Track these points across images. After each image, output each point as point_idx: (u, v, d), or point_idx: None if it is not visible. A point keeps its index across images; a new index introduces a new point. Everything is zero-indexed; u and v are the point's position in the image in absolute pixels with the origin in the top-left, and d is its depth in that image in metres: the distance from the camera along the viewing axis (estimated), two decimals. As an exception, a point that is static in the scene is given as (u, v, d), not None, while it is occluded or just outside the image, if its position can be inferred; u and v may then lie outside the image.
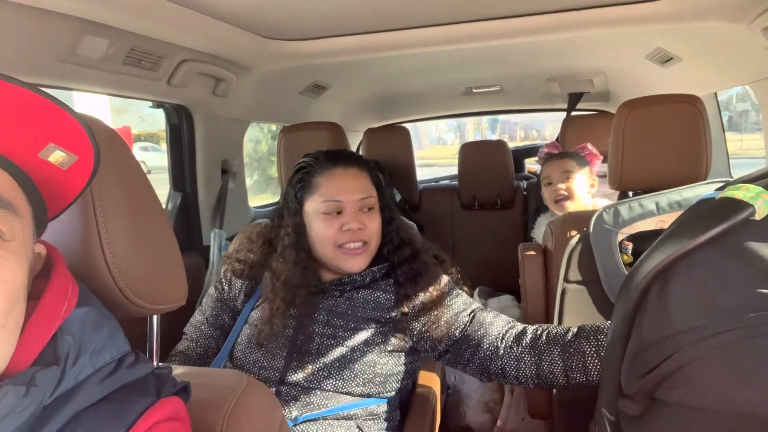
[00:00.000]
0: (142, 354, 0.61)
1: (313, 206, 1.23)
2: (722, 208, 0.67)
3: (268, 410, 0.72)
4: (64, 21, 1.12)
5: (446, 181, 3.61)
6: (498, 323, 1.18)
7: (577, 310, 1.33)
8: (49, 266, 0.55)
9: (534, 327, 1.16)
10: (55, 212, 0.59)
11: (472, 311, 1.21)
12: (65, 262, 0.61)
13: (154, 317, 0.77)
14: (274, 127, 3.38)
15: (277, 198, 2.94)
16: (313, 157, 1.27)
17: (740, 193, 0.66)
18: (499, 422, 1.84)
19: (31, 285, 0.53)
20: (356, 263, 1.22)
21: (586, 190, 2.00)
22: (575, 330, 1.10)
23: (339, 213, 1.21)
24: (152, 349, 0.78)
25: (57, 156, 0.53)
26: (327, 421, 1.13)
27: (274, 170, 3.45)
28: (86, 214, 0.62)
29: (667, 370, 0.64)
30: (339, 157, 1.26)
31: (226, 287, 1.33)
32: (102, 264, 0.63)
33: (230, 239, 1.82)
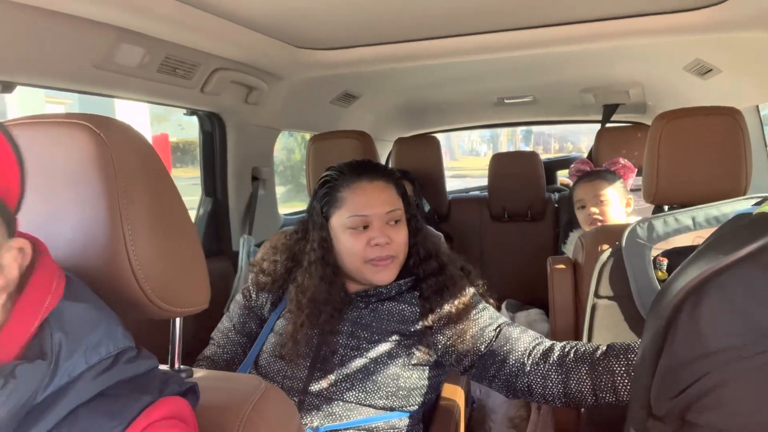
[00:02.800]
0: (146, 350, 0.60)
1: (339, 221, 1.20)
2: (759, 223, 0.64)
3: (285, 416, 0.72)
4: (100, 29, 1.15)
5: (476, 192, 3.58)
6: (525, 339, 1.16)
7: (607, 327, 1.29)
8: (34, 259, 0.55)
9: (562, 344, 1.13)
10: (13, 205, 0.57)
11: (499, 326, 1.19)
12: (88, 261, 0.62)
13: (177, 320, 0.78)
14: (308, 136, 3.42)
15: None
16: (337, 170, 1.25)
17: None
18: (525, 439, 1.80)
19: (22, 278, 0.52)
20: (384, 276, 1.20)
21: (621, 210, 1.94)
22: (604, 348, 1.07)
23: (366, 227, 1.19)
24: (174, 351, 0.78)
25: None
26: (348, 432, 1.13)
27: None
28: (113, 217, 0.63)
29: (698, 391, 0.62)
30: (364, 169, 1.24)
31: (253, 295, 1.33)
32: (126, 266, 0.64)
33: (259, 245, 1.83)
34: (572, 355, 1.09)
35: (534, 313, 2.20)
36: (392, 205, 1.21)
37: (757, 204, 0.68)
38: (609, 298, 1.29)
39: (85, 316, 0.55)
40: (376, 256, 1.18)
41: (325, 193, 1.23)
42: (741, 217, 0.70)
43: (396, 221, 1.22)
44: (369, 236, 1.18)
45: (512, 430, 1.84)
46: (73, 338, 0.52)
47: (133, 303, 0.65)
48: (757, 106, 2.20)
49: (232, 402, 0.68)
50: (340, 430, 1.13)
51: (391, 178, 1.25)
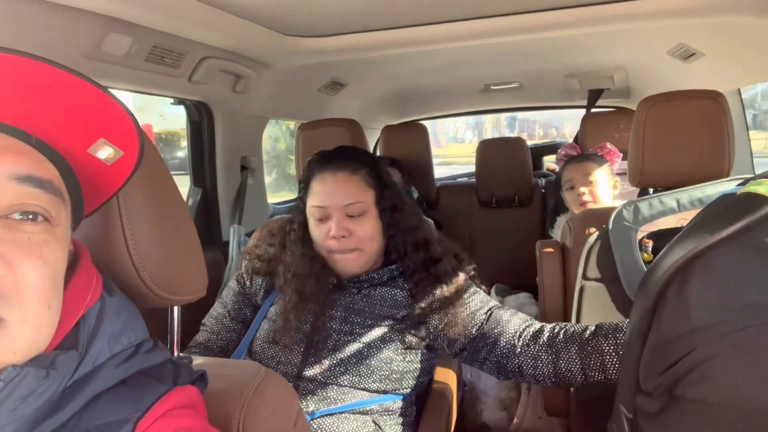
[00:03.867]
0: (160, 342, 0.62)
1: (309, 209, 1.24)
2: (744, 203, 0.66)
3: (286, 400, 0.74)
4: (88, 18, 1.14)
5: (464, 179, 3.60)
6: (515, 321, 1.18)
7: (595, 308, 1.32)
8: (75, 260, 0.57)
9: (551, 325, 1.16)
10: (90, 208, 0.60)
11: (489, 309, 1.21)
12: (90, 253, 0.63)
13: (175, 308, 0.79)
14: (292, 125, 3.40)
15: (294, 195, 2.97)
16: (315, 157, 1.28)
17: (763, 188, 0.65)
18: (515, 420, 1.83)
19: None
20: (347, 266, 1.22)
21: (609, 192, 1.98)
22: (593, 328, 1.09)
23: (327, 219, 1.21)
24: (173, 339, 0.79)
25: (105, 152, 0.54)
26: (343, 415, 1.15)
27: (292, 168, 3.46)
28: (110, 206, 0.63)
29: (686, 366, 0.64)
30: (331, 160, 1.25)
31: (247, 282, 1.34)
32: (125, 255, 0.64)
33: (249, 235, 1.84)
34: (562, 335, 1.11)
35: (523, 296, 2.23)
36: (352, 198, 1.20)
37: (741, 184, 0.70)
38: (596, 280, 1.32)
39: (110, 306, 0.57)
40: (335, 248, 1.20)
41: (304, 179, 1.28)
42: (726, 197, 0.71)
43: (358, 214, 1.21)
44: (328, 227, 1.20)
45: (503, 412, 1.87)
46: (98, 327, 0.54)
47: (132, 292, 0.66)
48: (739, 90, 2.24)
49: (233, 388, 0.69)
50: (336, 413, 1.14)
51: (360, 170, 1.24)
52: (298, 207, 1.29)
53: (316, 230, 1.23)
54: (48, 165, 0.52)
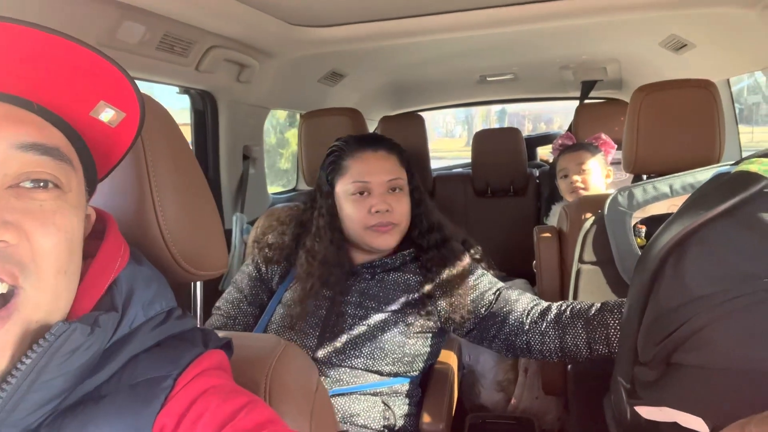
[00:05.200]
0: (187, 311, 0.65)
1: (343, 188, 1.26)
2: (737, 181, 0.69)
3: (306, 369, 0.77)
4: (104, 6, 1.16)
5: (459, 169, 3.63)
6: (523, 300, 1.22)
7: (591, 290, 1.36)
8: (103, 229, 0.59)
9: (558, 303, 1.20)
10: (103, 172, 0.62)
11: (498, 289, 1.25)
12: (121, 227, 0.66)
13: (198, 284, 0.82)
14: (282, 119, 3.40)
15: (286, 188, 2.99)
16: (343, 141, 1.31)
17: (755, 166, 0.69)
18: (513, 401, 1.88)
19: (85, 245, 0.56)
20: (385, 241, 1.25)
21: (601, 180, 2.02)
22: (599, 305, 1.13)
23: (368, 194, 1.24)
24: (197, 313, 0.82)
25: (107, 114, 0.54)
26: (354, 396, 1.18)
27: (282, 163, 3.45)
28: (142, 183, 0.66)
29: (683, 334, 0.67)
30: (368, 140, 1.30)
31: (263, 267, 1.35)
32: (156, 231, 0.67)
33: (251, 223, 1.86)
34: (568, 312, 1.15)
35: (519, 282, 2.27)
36: (393, 174, 1.26)
37: (735, 164, 0.74)
38: (592, 263, 1.36)
39: (142, 275, 0.60)
40: (376, 222, 1.23)
41: (331, 162, 1.29)
42: (720, 176, 0.75)
43: (397, 190, 1.26)
44: (370, 203, 1.23)
45: (501, 393, 1.91)
46: (132, 294, 0.57)
47: (161, 266, 0.68)
48: (728, 80, 2.29)
49: (258, 356, 0.72)
50: (347, 393, 1.18)
51: (394, 149, 1.30)
52: (323, 191, 1.30)
53: (352, 207, 1.24)
54: (54, 131, 0.52)
